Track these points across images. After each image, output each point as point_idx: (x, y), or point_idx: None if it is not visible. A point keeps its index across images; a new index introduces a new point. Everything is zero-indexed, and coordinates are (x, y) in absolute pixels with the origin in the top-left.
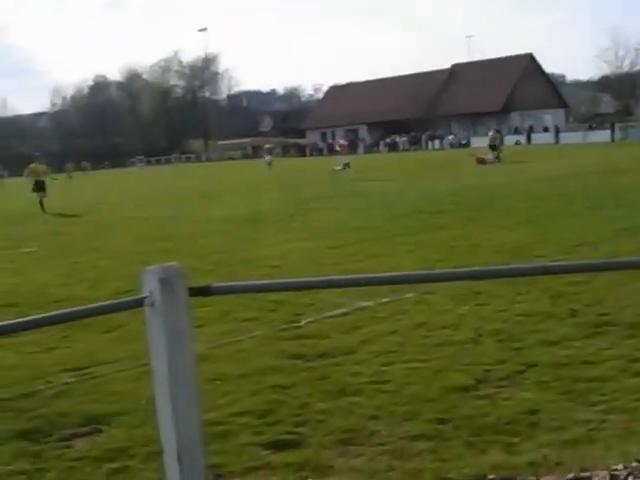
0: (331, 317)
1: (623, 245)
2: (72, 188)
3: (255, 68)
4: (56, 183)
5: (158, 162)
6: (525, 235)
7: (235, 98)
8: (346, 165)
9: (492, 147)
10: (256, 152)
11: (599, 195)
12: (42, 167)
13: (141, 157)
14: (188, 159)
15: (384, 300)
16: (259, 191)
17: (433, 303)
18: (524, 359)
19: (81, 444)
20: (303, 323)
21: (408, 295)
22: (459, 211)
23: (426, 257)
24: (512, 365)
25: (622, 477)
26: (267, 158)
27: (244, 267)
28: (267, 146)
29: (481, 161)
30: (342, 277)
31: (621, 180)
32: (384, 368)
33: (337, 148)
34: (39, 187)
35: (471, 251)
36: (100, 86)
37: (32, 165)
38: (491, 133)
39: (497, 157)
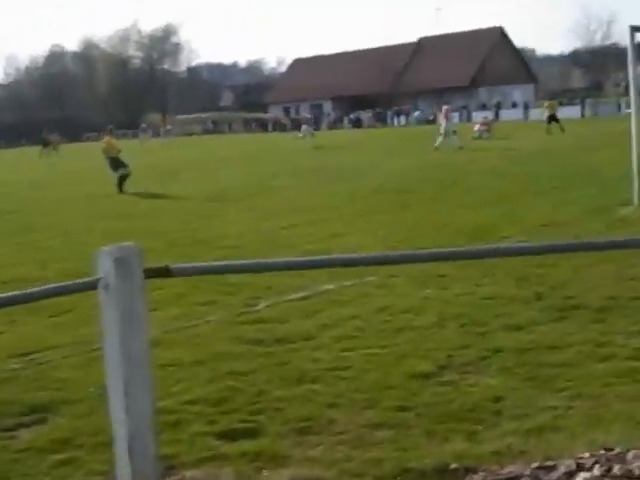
0: (291, 301)
1: (592, 225)
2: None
3: (217, 40)
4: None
5: (125, 136)
6: (491, 214)
7: (195, 71)
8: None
9: (552, 118)
10: (216, 127)
11: (568, 173)
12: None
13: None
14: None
15: (346, 283)
16: (218, 168)
17: (396, 286)
18: (488, 344)
19: (26, 434)
20: (261, 307)
21: (371, 278)
22: (423, 190)
23: (388, 238)
24: (476, 350)
25: (588, 465)
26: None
27: (202, 247)
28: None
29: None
30: (304, 259)
31: (591, 158)
32: (344, 354)
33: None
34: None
35: (435, 231)
36: (56, 56)
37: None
38: (547, 103)
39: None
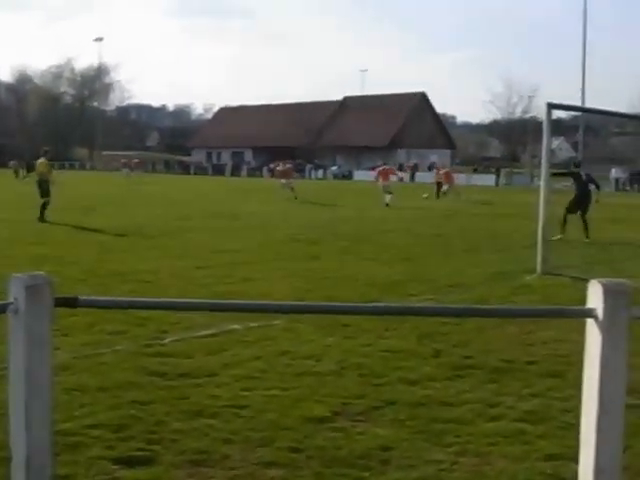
0: (197, 337)
1: (496, 289)
2: None
3: (148, 83)
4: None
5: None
6: (400, 271)
7: (124, 110)
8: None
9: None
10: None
11: (477, 237)
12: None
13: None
14: (72, 166)
15: (253, 325)
16: (138, 205)
17: (300, 332)
18: (383, 395)
19: None
20: (167, 341)
21: (277, 322)
22: (336, 242)
23: (299, 286)
24: (370, 400)
25: None
26: (124, 171)
27: (116, 279)
28: (123, 160)
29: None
30: (204, 301)
31: (500, 225)
32: (244, 393)
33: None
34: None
35: (344, 283)
36: None
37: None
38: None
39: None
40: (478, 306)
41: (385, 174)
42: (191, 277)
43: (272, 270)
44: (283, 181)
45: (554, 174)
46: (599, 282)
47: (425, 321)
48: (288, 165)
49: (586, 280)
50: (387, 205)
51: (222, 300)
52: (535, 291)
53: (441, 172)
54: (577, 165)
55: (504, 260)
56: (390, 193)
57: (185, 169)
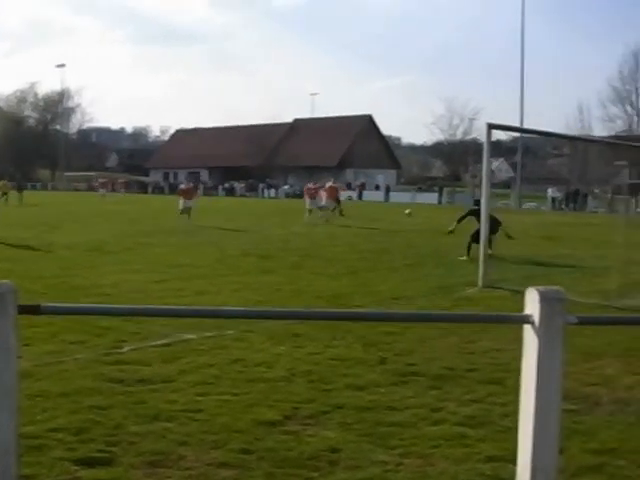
0: (154, 346)
1: (437, 301)
2: None
3: (107, 106)
4: None
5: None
6: (346, 285)
7: (85, 133)
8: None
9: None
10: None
11: (420, 253)
12: None
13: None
14: (34, 187)
15: (207, 334)
16: (99, 222)
17: (252, 341)
18: (331, 400)
19: None
20: (126, 350)
21: (230, 332)
22: (287, 257)
23: (250, 298)
24: (319, 405)
25: None
26: (101, 191)
27: (78, 293)
28: (101, 180)
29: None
30: (156, 307)
31: (442, 241)
32: (198, 398)
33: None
34: None
35: (294, 295)
36: None
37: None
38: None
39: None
40: (421, 312)
41: (331, 192)
42: (149, 291)
43: (225, 284)
44: (181, 201)
45: (460, 219)
46: (535, 289)
47: (371, 331)
48: (191, 184)
49: (524, 293)
50: (327, 221)
51: (170, 307)
52: (476, 303)
53: (327, 185)
54: (477, 204)
55: (446, 274)
56: (328, 209)
57: (143, 188)
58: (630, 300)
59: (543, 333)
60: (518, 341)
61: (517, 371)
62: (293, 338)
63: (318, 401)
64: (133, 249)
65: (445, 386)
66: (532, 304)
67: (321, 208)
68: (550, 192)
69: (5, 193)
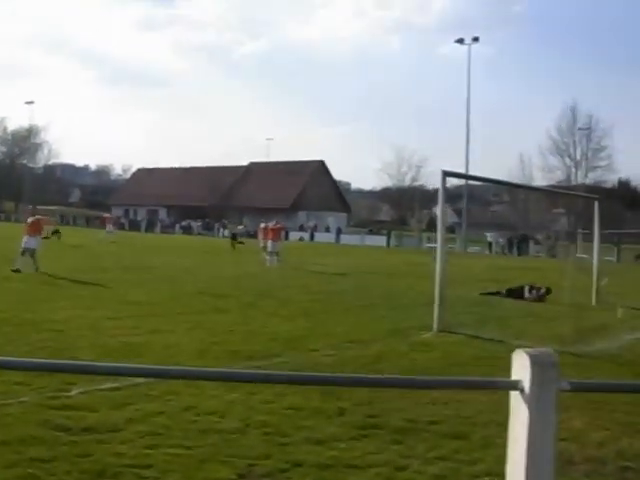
0: (103, 390)
1: (394, 345)
2: None
3: (73, 144)
4: None
5: None
6: (301, 326)
7: (51, 168)
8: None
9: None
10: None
11: (373, 295)
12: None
13: None
14: None
15: (157, 379)
16: (57, 257)
17: (204, 387)
18: (289, 456)
19: None
20: (74, 393)
21: None
22: (241, 296)
23: (204, 339)
24: (276, 462)
25: None
26: (108, 228)
27: (29, 328)
28: (106, 215)
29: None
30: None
31: (394, 283)
32: (148, 451)
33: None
34: None
35: (249, 337)
36: None
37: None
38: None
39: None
40: (404, 377)
41: (276, 232)
42: (101, 327)
43: (179, 322)
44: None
45: None
46: (525, 352)
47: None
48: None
49: (480, 338)
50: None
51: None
52: (434, 348)
53: (270, 226)
54: None
55: (400, 317)
56: (277, 254)
57: (104, 224)
58: (585, 346)
59: (534, 401)
60: (480, 392)
61: (482, 425)
62: (246, 384)
63: (275, 457)
64: (88, 284)
65: (407, 440)
66: (521, 369)
67: (271, 254)
68: (489, 237)
69: None
